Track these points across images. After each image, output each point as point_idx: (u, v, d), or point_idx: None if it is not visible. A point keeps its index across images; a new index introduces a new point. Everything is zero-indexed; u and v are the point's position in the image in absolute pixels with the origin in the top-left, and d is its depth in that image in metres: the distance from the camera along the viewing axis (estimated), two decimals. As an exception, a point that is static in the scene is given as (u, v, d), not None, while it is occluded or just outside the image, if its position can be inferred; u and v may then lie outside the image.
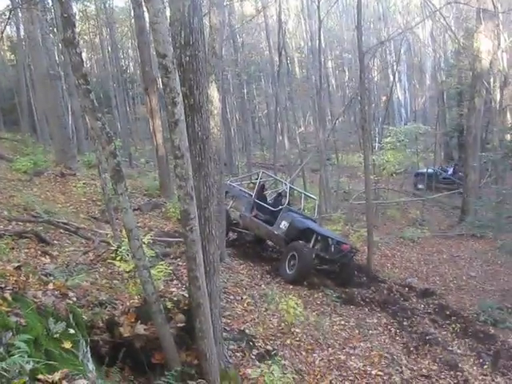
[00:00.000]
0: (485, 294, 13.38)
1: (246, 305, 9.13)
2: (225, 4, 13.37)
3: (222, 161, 12.39)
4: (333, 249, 12.78)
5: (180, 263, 9.35)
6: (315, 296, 11.45)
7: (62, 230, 10.02)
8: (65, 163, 17.15)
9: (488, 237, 18.24)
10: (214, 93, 10.33)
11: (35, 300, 4.11)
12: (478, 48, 20.91)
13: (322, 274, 12.88)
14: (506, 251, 14.91)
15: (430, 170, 27.53)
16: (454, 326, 10.87)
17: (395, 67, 39.04)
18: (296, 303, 8.92)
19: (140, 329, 5.34)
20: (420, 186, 27.97)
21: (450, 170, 29.34)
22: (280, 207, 13.58)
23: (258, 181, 15.10)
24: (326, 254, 12.64)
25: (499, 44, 22.13)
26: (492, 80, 24.46)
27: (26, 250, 7.95)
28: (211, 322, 5.37)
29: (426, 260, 16.78)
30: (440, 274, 15.26)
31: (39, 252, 8.11)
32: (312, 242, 12.44)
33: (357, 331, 9.76)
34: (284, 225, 12.92)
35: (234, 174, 28.66)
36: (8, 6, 29.05)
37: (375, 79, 43.58)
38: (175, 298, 5.90)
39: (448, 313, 11.76)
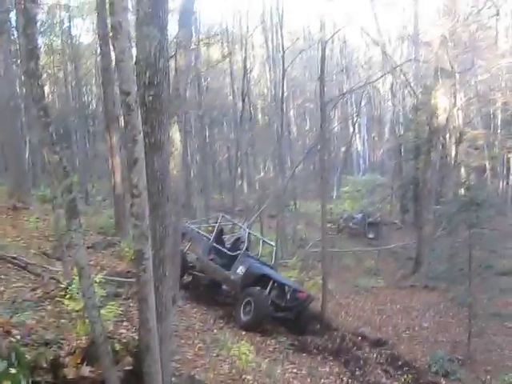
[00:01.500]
0: (436, 345, 13.47)
1: (197, 349, 8.95)
2: (192, 47, 13.49)
3: (179, 202, 12.26)
4: (289, 296, 12.72)
5: (131, 304, 9.13)
6: (268, 343, 11.32)
7: (10, 265, 9.71)
8: (19, 196, 16.75)
9: (441, 288, 18.46)
10: (175, 134, 10.28)
11: (-24, 337, 3.96)
12: (436, 105, 21.58)
13: (277, 321, 12.77)
14: (458, 303, 15.10)
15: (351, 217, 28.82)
16: (405, 376, 10.87)
17: (355, 119, 39.90)
18: (248, 349, 8.80)
19: (85, 371, 5.17)
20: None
21: (359, 217, 29.91)
22: (238, 252, 13.51)
23: (216, 224, 15.03)
24: (282, 302, 12.57)
25: (455, 102, 22.89)
26: (448, 136, 25.23)
27: (-29, 284, 7.68)
28: (160, 366, 5.22)
29: (380, 310, 16.86)
30: (393, 324, 15.33)
31: (-16, 287, 7.84)
32: (268, 288, 12.36)
33: (309, 380, 9.65)
34: (241, 270, 12.83)
35: (191, 216, 28.49)
36: (-28, 35, 28.83)
37: (335, 129, 44.38)
38: (124, 340, 5.75)
39: (400, 363, 11.78)
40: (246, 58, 28.60)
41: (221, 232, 15.17)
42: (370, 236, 28.40)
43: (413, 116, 31.70)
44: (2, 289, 7.98)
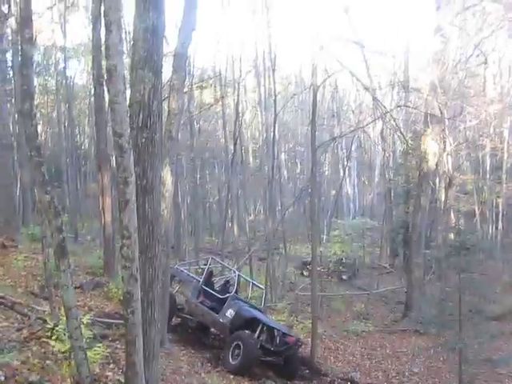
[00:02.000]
0: (427, 391, 13.32)
1: (184, 393, 8.83)
2: (184, 91, 13.66)
3: (169, 244, 12.30)
4: (278, 340, 12.58)
5: (118, 346, 9.02)
6: (256, 387, 11.18)
7: (-4, 304, 9.63)
8: (8, 234, 16.67)
9: (431, 333, 18.30)
10: (167, 175, 10.38)
11: (-40, 378, 3.90)
12: (425, 150, 21.80)
13: (265, 365, 12.63)
14: (449, 348, 14.97)
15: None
16: (394, 424, 10.72)
17: (346, 163, 40.21)
18: (235, 394, 8.68)
19: (70, 414, 5.09)
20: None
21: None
22: (227, 295, 13.43)
23: (206, 267, 14.97)
24: (271, 346, 12.43)
25: (445, 147, 23.16)
26: (438, 181, 25.44)
27: (-45, 323, 7.58)
28: (147, 410, 5.15)
29: (369, 354, 16.69)
30: (383, 369, 15.16)
31: (-30, 326, 7.74)
32: (257, 332, 12.26)
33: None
34: (230, 313, 12.73)
35: (181, 258, 28.34)
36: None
37: (326, 173, 44.71)
38: (111, 383, 5.66)
39: (389, 411, 11.63)
40: (238, 101, 28.89)
41: (210, 274, 15.10)
42: (344, 277, 28.82)
43: (402, 161, 32.02)
44: (-12, 328, 7.89)
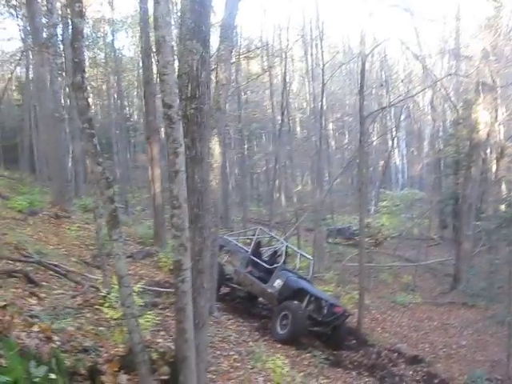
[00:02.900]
0: (474, 364, 13.20)
1: (232, 361, 8.97)
2: (232, 61, 13.63)
3: (218, 214, 12.39)
4: (325, 311, 12.62)
5: (169, 314, 9.22)
6: (303, 356, 11.27)
7: (51, 272, 9.90)
8: (61, 205, 17.10)
9: (479, 306, 18.13)
10: (215, 146, 10.44)
11: (18, 341, 4.05)
12: (476, 119, 21.29)
13: (312, 335, 12.71)
14: (497, 321, 14.81)
15: (338, 227, 30.77)
16: (442, 395, 10.68)
17: (394, 133, 39.57)
18: (283, 363, 8.78)
19: (123, 379, 5.23)
20: (329, 240, 29.87)
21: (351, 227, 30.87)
22: (275, 265, 13.50)
23: (254, 237, 15.06)
24: (319, 316, 12.49)
25: (497, 117, 22.57)
26: (489, 151, 24.82)
27: (13, 290, 7.82)
28: (196, 376, 5.25)
29: (417, 326, 16.62)
30: (430, 342, 15.08)
31: (27, 292, 7.97)
32: (305, 302, 12.33)
33: (343, 395, 9.57)
34: (278, 283, 12.80)
35: (229, 228, 28.61)
36: (20, 47, 29.72)
37: (374, 143, 44.07)
38: (161, 350, 5.78)
39: (437, 381, 11.57)
40: (285, 71, 28.67)
41: (258, 245, 15.17)
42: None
43: (453, 130, 31.33)
44: (43, 295, 8.14)
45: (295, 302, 12.26)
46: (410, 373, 12.05)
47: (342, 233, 30.65)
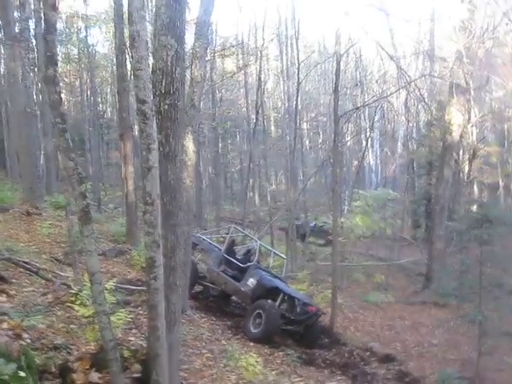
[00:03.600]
0: (446, 362, 13.32)
1: (205, 359, 8.94)
2: (207, 59, 13.60)
3: (191, 212, 12.37)
4: (298, 310, 12.68)
5: (140, 312, 9.16)
6: (275, 355, 11.29)
7: (22, 270, 9.76)
8: (32, 202, 16.88)
9: (451, 305, 18.27)
10: (189, 144, 10.40)
11: (-13, 339, 3.98)
12: (450, 120, 21.50)
13: (285, 333, 12.74)
14: (468, 320, 14.95)
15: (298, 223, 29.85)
16: (413, 394, 10.76)
17: (368, 133, 39.86)
18: (256, 361, 8.79)
19: (94, 376, 5.18)
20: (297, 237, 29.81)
21: (313, 224, 31.51)
22: (248, 264, 13.52)
23: (228, 235, 15.05)
24: (292, 315, 12.54)
25: (469, 118, 22.84)
26: (461, 152, 25.13)
27: (-18, 287, 7.72)
28: (169, 374, 5.22)
29: (389, 325, 16.74)
30: (402, 340, 15.20)
31: (-4, 290, 7.88)
32: (278, 301, 12.36)
33: (316, 394, 9.60)
34: (251, 282, 12.83)
35: (202, 227, 28.55)
36: (-9, 41, 29.25)
37: (348, 143, 44.31)
38: (133, 347, 5.76)
39: (408, 380, 11.64)
40: (260, 70, 28.70)
41: (232, 243, 15.18)
42: (320, 242, 29.56)
43: (426, 131, 31.64)
44: (14, 293, 8.04)
45: (269, 300, 12.28)
46: (382, 371, 12.13)
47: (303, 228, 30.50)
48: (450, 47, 21.65)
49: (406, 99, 32.43)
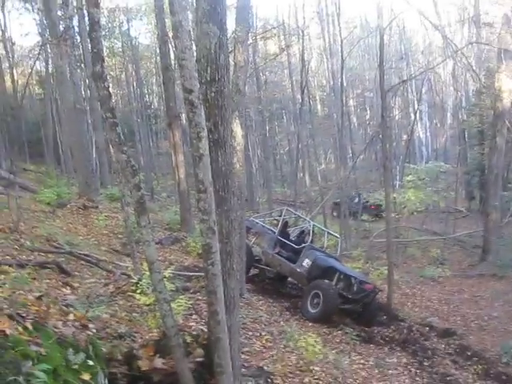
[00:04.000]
0: (507, 335, 13.09)
1: (264, 341, 9.04)
2: (249, 42, 13.58)
3: (243, 196, 12.44)
4: (355, 288, 12.64)
5: (199, 298, 9.31)
6: (334, 334, 11.32)
7: (83, 262, 10.08)
8: (88, 196, 17.31)
9: (510, 277, 17.94)
10: (237, 129, 10.44)
11: (55, 330, 4.12)
12: (500, 87, 20.92)
13: (343, 312, 12.75)
14: (528, 291, 14.66)
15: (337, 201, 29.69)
16: (475, 367, 10.61)
17: (416, 106, 39.17)
18: (315, 341, 8.82)
19: (158, 362, 5.30)
20: (335, 214, 30.23)
21: (356, 199, 31.00)
22: (303, 245, 13.53)
23: (281, 218, 15.08)
24: (349, 294, 12.51)
25: (521, 83, 22.11)
26: (514, 119, 24.40)
27: (47, 281, 7.97)
28: (230, 357, 5.30)
29: (447, 299, 16.54)
30: (461, 314, 15.01)
31: (60, 283, 8.14)
32: (335, 280, 12.36)
33: (376, 371, 9.59)
34: (307, 263, 12.85)
35: (254, 210, 28.70)
36: (38, 41, 29.95)
37: (396, 118, 43.69)
38: (194, 333, 5.86)
39: (469, 354, 11.51)
40: (303, 50, 28.47)
41: (285, 225, 15.21)
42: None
43: (476, 100, 30.89)
44: (77, 285, 8.30)
45: (326, 280, 12.29)
46: (443, 346, 12.02)
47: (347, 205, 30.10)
48: (497, 11, 20.99)
49: (454, 69, 31.73)
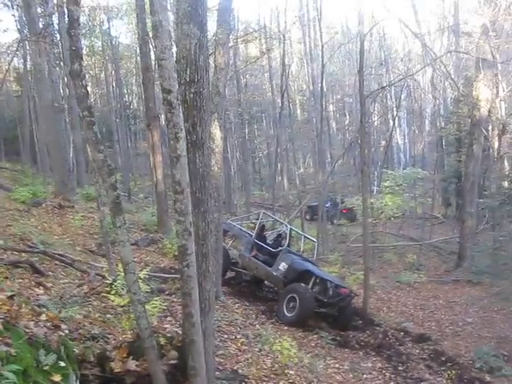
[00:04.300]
0: (481, 340, 13.23)
1: (239, 344, 9.01)
2: (230, 45, 13.56)
3: (221, 198, 12.43)
4: (331, 292, 12.68)
5: (175, 299, 9.26)
6: (310, 338, 11.33)
7: (57, 262, 9.95)
8: (64, 195, 17.14)
9: (484, 283, 18.15)
10: (216, 131, 10.41)
11: (27, 330, 4.07)
12: (477, 96, 21.17)
13: (318, 316, 12.77)
14: (503, 298, 14.83)
15: (315, 204, 29.74)
16: (449, 372, 10.67)
17: (395, 112, 39.48)
18: (290, 344, 8.81)
19: (132, 364, 5.25)
20: (307, 217, 30.69)
21: (328, 204, 30.80)
22: (279, 248, 13.56)
23: (258, 221, 15.10)
24: (324, 298, 12.55)
25: (497, 93, 22.39)
26: (490, 128, 24.72)
27: (19, 280, 7.86)
28: (204, 360, 5.28)
29: (422, 305, 16.66)
30: (436, 320, 15.13)
31: (33, 282, 8.02)
32: (310, 284, 12.40)
33: (351, 375, 9.61)
34: (283, 266, 12.88)
35: (232, 213, 28.68)
36: (17, 38, 29.60)
37: (375, 123, 44.01)
38: (169, 335, 5.81)
39: (443, 359, 11.59)
40: (284, 54, 28.51)
41: (262, 228, 15.23)
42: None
43: (454, 108, 31.20)
44: (50, 285, 8.19)
45: (303, 284, 12.31)
46: (417, 351, 12.09)
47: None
48: (476, 21, 21.24)
49: (432, 76, 32.06)
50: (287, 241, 14.06)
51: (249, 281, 14.61)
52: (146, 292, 7.33)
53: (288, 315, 11.96)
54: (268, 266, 13.25)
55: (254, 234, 14.34)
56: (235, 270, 14.61)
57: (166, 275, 11.40)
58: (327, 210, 28.41)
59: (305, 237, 16.33)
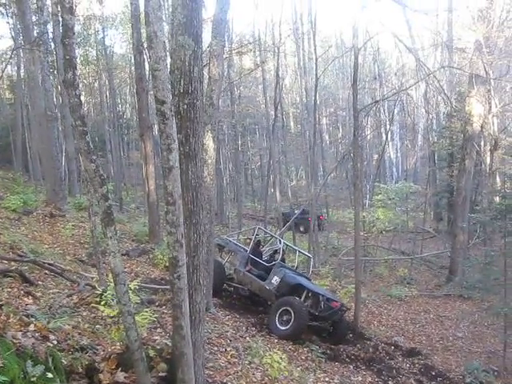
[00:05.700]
0: (471, 355, 13.24)
1: (229, 357, 8.95)
2: (224, 57, 13.59)
3: (213, 210, 12.38)
4: (322, 306, 12.66)
5: (165, 311, 9.21)
6: (300, 351, 11.28)
7: (47, 271, 9.88)
8: (55, 204, 17.08)
9: (475, 298, 18.20)
10: (209, 142, 10.41)
11: (14, 341, 4.02)
12: (470, 112, 21.30)
13: (310, 329, 12.73)
14: (493, 313, 14.82)
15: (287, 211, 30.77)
16: (439, 387, 10.69)
17: (388, 126, 39.67)
18: (280, 357, 8.76)
19: (120, 376, 5.21)
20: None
21: (298, 212, 30.19)
22: (273, 263, 13.62)
23: (253, 236, 15.15)
24: (316, 311, 12.54)
25: (490, 108, 22.54)
26: (482, 143, 24.88)
27: (8, 290, 7.80)
28: (194, 372, 5.23)
29: (413, 319, 16.66)
30: (426, 334, 15.13)
31: (22, 292, 7.95)
32: (302, 298, 12.40)
33: (341, 389, 9.57)
34: (275, 280, 12.95)
35: (224, 224, 28.63)
36: (10, 46, 29.62)
37: (368, 137, 44.15)
38: (158, 347, 5.77)
39: (434, 373, 11.59)
40: (278, 66, 28.65)
41: (258, 244, 15.31)
42: (301, 229, 30.42)
43: (447, 123, 31.36)
44: (39, 294, 8.13)
45: (297, 298, 12.31)
46: (407, 365, 12.09)
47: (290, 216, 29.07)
48: (469, 37, 21.38)
49: (426, 91, 32.16)
50: (280, 255, 14.08)
51: (247, 296, 14.59)
52: (136, 303, 7.28)
53: (281, 328, 11.91)
54: (262, 280, 13.28)
55: (249, 249, 14.39)
56: (232, 285, 14.60)
57: (157, 286, 11.34)
58: (296, 217, 28.26)
59: (299, 251, 16.35)
